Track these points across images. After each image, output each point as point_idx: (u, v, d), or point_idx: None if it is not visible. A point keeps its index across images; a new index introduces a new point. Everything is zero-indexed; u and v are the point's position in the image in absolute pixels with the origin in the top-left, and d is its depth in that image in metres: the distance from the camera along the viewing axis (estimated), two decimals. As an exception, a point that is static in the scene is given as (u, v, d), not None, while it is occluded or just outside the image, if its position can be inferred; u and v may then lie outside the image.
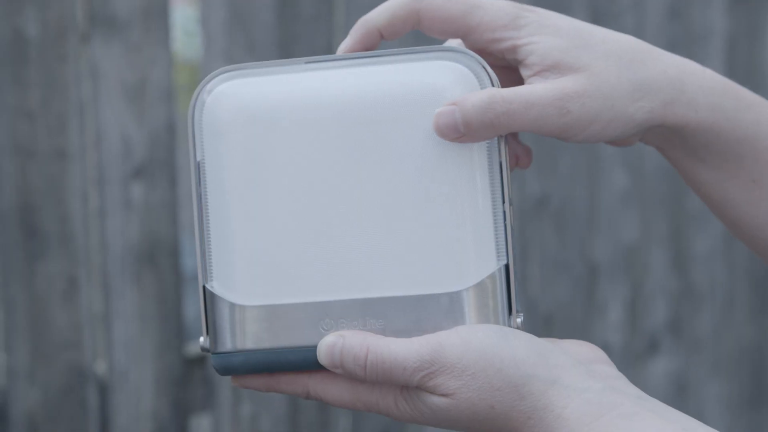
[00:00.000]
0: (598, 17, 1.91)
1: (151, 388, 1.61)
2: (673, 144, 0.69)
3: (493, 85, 0.63)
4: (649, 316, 2.01)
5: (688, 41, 1.99)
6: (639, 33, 1.95)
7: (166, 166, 1.59)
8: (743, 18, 2.03)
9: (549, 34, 0.64)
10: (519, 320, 0.63)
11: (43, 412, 1.55)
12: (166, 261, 1.60)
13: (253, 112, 0.63)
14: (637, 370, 2.00)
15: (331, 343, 0.62)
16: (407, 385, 0.61)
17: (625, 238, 1.98)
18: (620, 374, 0.62)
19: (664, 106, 0.65)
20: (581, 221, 1.94)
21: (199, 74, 1.87)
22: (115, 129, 1.56)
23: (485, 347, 0.60)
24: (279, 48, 1.66)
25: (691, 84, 0.66)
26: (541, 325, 1.92)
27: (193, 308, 1.83)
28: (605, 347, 1.95)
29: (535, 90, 0.62)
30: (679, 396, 2.04)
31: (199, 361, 1.65)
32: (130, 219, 1.58)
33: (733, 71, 2.02)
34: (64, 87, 1.53)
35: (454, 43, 0.68)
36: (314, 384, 0.63)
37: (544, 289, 1.91)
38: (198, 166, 0.64)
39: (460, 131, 0.61)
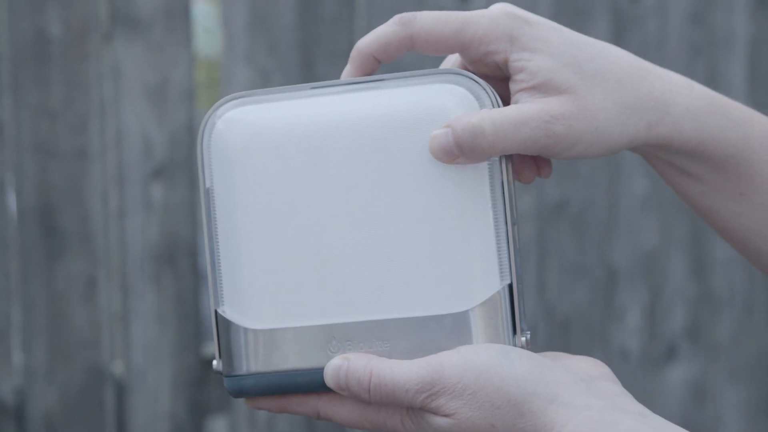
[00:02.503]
0: (621, 22, 1.90)
1: (169, 388, 1.61)
2: (657, 157, 0.69)
3: (493, 105, 0.63)
4: (667, 322, 2.00)
5: (711, 46, 1.98)
6: (662, 37, 1.94)
7: (186, 166, 1.59)
8: (766, 22, 2.02)
9: (540, 50, 0.64)
10: (524, 339, 0.63)
11: (61, 412, 1.55)
12: (185, 262, 1.60)
13: (261, 137, 0.64)
14: (655, 376, 1.99)
15: (337, 366, 0.63)
16: (411, 406, 0.62)
17: (644, 243, 1.97)
18: (624, 391, 0.62)
19: (648, 127, 0.66)
20: (600, 226, 1.93)
21: (218, 73, 1.86)
22: (135, 129, 1.56)
23: (485, 366, 0.60)
24: (300, 49, 1.65)
25: (677, 105, 0.66)
26: (559, 330, 1.91)
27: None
28: (623, 353, 1.95)
29: (524, 111, 0.63)
30: (697, 402, 2.03)
31: (216, 362, 1.64)
32: (149, 219, 1.58)
33: (755, 76, 2.01)
34: (85, 86, 1.53)
35: (453, 58, 0.69)
36: (323, 405, 0.64)
37: (561, 293, 1.91)
38: (207, 193, 0.65)
39: (454, 153, 0.62)
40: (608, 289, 1.95)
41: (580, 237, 1.92)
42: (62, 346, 1.55)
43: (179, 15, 1.57)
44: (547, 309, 1.89)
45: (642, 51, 1.90)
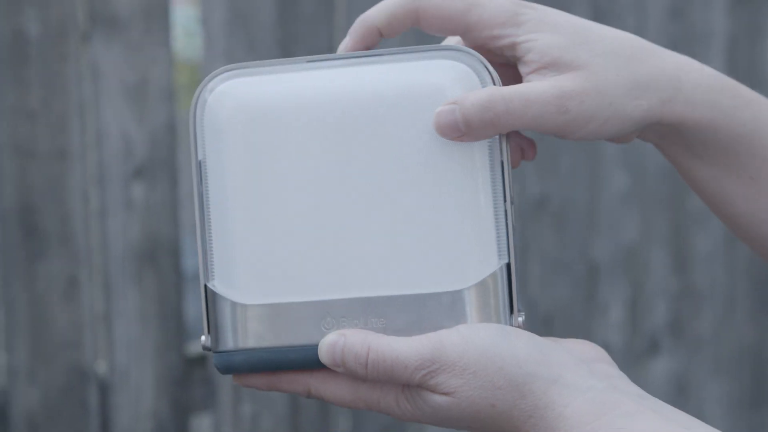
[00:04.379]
0: (599, 17, 1.91)
1: (152, 387, 1.61)
2: (670, 140, 0.69)
3: (494, 83, 0.63)
4: (649, 317, 2.01)
5: (689, 41, 1.99)
6: (640, 33, 1.95)
7: (166, 165, 1.59)
8: (744, 19, 2.02)
9: (548, 31, 0.64)
10: (520, 319, 0.63)
11: (44, 412, 1.55)
12: (167, 261, 1.60)
13: (254, 110, 0.63)
14: (638, 371, 2.00)
15: (333, 342, 0.62)
16: (408, 383, 0.61)
17: (626, 238, 1.98)
18: (622, 373, 0.62)
19: (662, 104, 0.65)
20: (581, 221, 1.94)
21: (199, 74, 1.87)
22: (115, 129, 1.56)
23: (486, 346, 0.60)
24: (279, 48, 1.66)
25: (688, 82, 0.66)
26: (541, 325, 1.91)
27: (193, 308, 1.82)
28: (606, 347, 1.95)
29: (534, 88, 0.62)
30: (680, 396, 2.04)
31: (199, 360, 1.64)
32: (130, 219, 1.58)
33: (733, 72, 2.02)
34: (64, 87, 1.53)
35: (454, 40, 0.69)
36: (315, 383, 0.63)
37: (544, 289, 1.91)
38: (199, 165, 0.64)
39: (461, 130, 0.61)
40: (590, 285, 1.96)
41: (561, 233, 1.92)
42: (44, 346, 1.54)
43: (158, 14, 1.57)
44: (529, 305, 1.90)
45: (621, 47, 1.91)
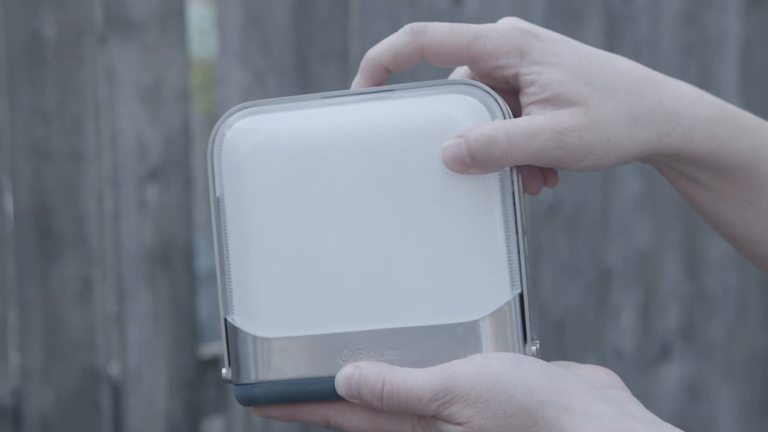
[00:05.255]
0: (613, 22, 1.91)
1: (164, 389, 1.61)
2: (668, 167, 0.70)
3: (504, 117, 0.64)
4: (661, 322, 2.01)
5: (704, 46, 1.98)
6: (654, 37, 1.95)
7: (180, 167, 1.59)
8: (759, 22, 2.02)
9: (551, 64, 0.64)
10: (534, 348, 0.64)
11: (56, 413, 1.56)
12: (180, 262, 1.60)
13: (271, 146, 0.65)
14: (650, 376, 2.00)
15: (349, 375, 0.63)
16: (423, 414, 0.62)
17: (638, 243, 1.98)
18: (635, 399, 0.63)
19: (660, 138, 0.66)
20: (594, 226, 1.94)
21: (213, 75, 1.87)
22: (130, 130, 1.56)
23: (498, 374, 0.61)
24: (294, 50, 1.66)
25: (687, 115, 0.67)
26: (553, 330, 1.91)
27: (206, 309, 1.82)
28: (617, 353, 1.95)
29: (536, 122, 0.63)
30: (691, 402, 2.04)
31: (212, 363, 1.65)
32: (144, 220, 1.58)
33: (747, 76, 2.02)
34: (80, 88, 1.53)
35: (462, 70, 0.70)
36: (334, 413, 0.65)
37: (556, 294, 1.91)
38: (218, 201, 0.65)
39: (467, 164, 0.63)
40: (602, 290, 1.96)
41: (573, 238, 1.92)
42: (58, 348, 1.55)
43: (174, 16, 1.57)
44: (541, 310, 1.90)
45: (634, 52, 1.91)
